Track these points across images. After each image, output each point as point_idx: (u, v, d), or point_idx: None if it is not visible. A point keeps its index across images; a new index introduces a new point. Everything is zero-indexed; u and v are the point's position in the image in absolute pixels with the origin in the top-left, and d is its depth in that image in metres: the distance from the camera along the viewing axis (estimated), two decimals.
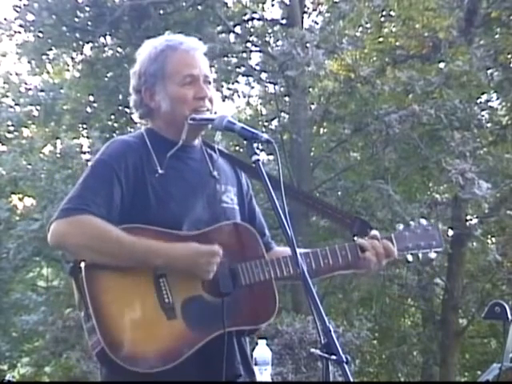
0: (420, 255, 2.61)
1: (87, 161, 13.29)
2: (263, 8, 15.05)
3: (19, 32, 14.29)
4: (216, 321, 2.29)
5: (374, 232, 2.54)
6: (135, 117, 2.55)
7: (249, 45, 13.88)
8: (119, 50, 14.44)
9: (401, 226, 2.60)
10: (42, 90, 15.44)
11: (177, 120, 2.42)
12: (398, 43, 13.26)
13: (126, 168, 2.34)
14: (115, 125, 15.07)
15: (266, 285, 2.39)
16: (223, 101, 13.99)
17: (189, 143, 2.48)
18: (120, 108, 14.63)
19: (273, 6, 15.01)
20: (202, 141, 2.56)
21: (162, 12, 13.81)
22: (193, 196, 2.42)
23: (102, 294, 2.25)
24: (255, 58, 14.32)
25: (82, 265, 2.26)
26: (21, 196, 15.64)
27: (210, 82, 2.47)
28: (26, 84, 15.87)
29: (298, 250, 2.25)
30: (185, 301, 2.29)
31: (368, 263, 2.50)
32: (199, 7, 13.81)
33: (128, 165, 2.35)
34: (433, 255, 2.61)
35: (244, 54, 13.75)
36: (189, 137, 2.44)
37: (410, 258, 2.60)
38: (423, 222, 2.63)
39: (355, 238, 2.54)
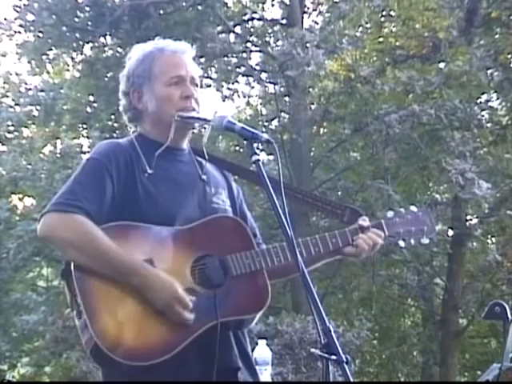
0: (412, 241, 2.61)
1: None
2: (263, 8, 15.05)
3: (19, 32, 14.29)
4: (209, 312, 2.29)
5: (363, 221, 2.53)
6: (126, 122, 2.57)
7: (249, 45, 13.88)
8: (119, 50, 14.43)
9: (391, 213, 2.61)
10: (42, 90, 15.43)
11: (163, 120, 2.44)
12: (398, 43, 13.25)
13: (116, 164, 2.36)
14: (115, 125, 15.05)
15: (257, 275, 2.39)
16: (223, 101, 14.00)
17: (177, 145, 2.49)
18: (120, 108, 14.62)
19: (273, 5, 15.03)
20: (191, 147, 2.57)
21: (162, 12, 13.80)
22: (183, 195, 2.42)
23: (93, 290, 2.25)
24: (255, 58, 14.35)
25: (72, 264, 2.26)
26: (21, 196, 15.63)
27: (197, 85, 2.49)
28: (26, 84, 15.87)
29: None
30: None
31: (359, 251, 2.51)
32: (199, 7, 13.81)
33: (119, 161, 2.37)
34: (425, 241, 2.61)
35: (244, 54, 13.74)
36: (176, 136, 2.45)
37: (401, 243, 2.61)
38: (413, 208, 2.64)
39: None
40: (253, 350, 3.62)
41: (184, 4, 13.81)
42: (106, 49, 14.56)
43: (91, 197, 2.31)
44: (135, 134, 2.53)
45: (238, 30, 13.99)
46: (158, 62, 2.46)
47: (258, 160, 2.20)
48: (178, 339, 2.25)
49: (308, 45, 11.35)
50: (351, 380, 1.91)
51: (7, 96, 16.08)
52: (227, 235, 2.42)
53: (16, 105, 15.66)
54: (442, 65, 12.49)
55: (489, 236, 14.20)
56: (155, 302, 2.25)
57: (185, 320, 2.26)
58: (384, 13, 13.70)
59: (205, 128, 2.50)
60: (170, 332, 2.26)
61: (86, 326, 2.21)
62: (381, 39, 13.91)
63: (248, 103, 15.98)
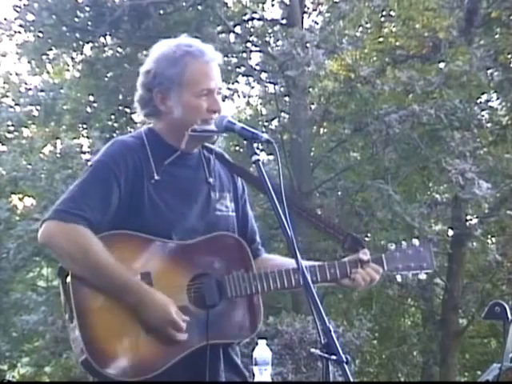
0: (410, 275, 2.62)
1: (87, 161, 13.29)
2: (263, 8, 15.05)
3: (19, 32, 14.29)
4: (200, 332, 2.30)
5: (364, 255, 2.52)
6: (138, 114, 2.52)
7: (249, 45, 13.88)
8: (119, 49, 14.45)
9: (392, 246, 2.60)
10: (42, 90, 15.41)
11: (184, 128, 2.41)
12: (398, 43, 13.27)
13: (125, 170, 2.34)
14: (115, 125, 15.06)
15: (252, 298, 2.40)
16: (223, 101, 13.90)
17: (188, 151, 2.47)
18: (120, 108, 14.64)
19: (273, 5, 15.03)
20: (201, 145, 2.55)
21: (162, 12, 13.81)
22: (187, 205, 2.41)
23: (87, 302, 2.26)
24: (255, 58, 14.34)
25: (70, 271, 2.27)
26: (21, 196, 15.62)
27: (220, 93, 2.49)
28: (26, 84, 15.85)
29: (289, 265, 2.33)
30: None
31: (356, 285, 2.52)
32: (199, 7, 13.81)
33: (128, 166, 2.34)
34: (423, 276, 2.62)
35: (244, 54, 13.74)
36: (189, 146, 2.44)
37: (398, 278, 2.62)
38: (415, 242, 2.63)
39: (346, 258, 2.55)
40: (253, 350, 3.62)
41: (184, 4, 13.81)
42: (106, 49, 14.57)
43: (94, 204, 2.28)
44: (145, 129, 2.48)
45: (238, 30, 13.98)
46: (191, 70, 2.40)
47: (258, 160, 2.20)
48: (167, 357, 2.26)
49: (308, 45, 11.35)
50: (351, 380, 1.91)
51: (7, 96, 16.07)
52: (227, 255, 2.41)
53: (16, 105, 15.65)
54: (442, 65, 12.50)
55: (489, 236, 14.20)
56: (149, 322, 2.26)
57: (177, 341, 2.27)
58: (384, 13, 13.71)
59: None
60: (159, 350, 2.27)
61: (78, 338, 2.23)
62: (381, 39, 13.92)
63: (248, 103, 15.99)
